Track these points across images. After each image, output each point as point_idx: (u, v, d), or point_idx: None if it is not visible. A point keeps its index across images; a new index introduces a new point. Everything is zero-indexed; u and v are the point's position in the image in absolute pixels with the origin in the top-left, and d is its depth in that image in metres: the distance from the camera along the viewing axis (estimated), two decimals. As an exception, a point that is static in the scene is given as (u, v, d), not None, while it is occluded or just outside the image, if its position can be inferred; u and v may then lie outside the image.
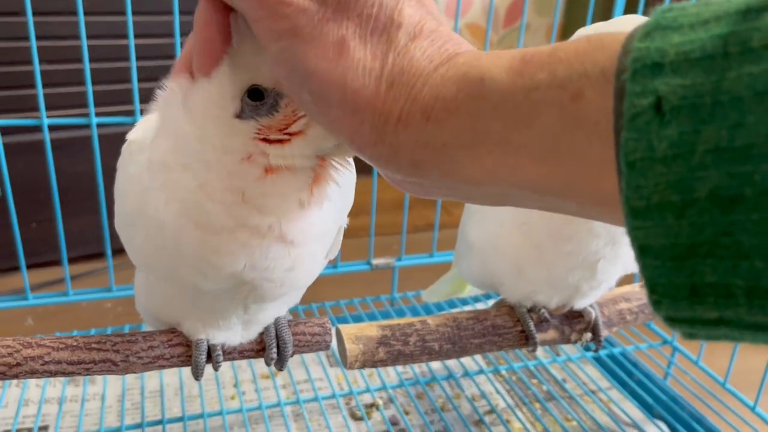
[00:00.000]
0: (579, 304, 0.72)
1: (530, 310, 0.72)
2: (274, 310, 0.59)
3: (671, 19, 0.25)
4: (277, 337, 0.60)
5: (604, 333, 0.74)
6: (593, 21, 1.09)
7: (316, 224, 0.47)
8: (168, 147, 0.44)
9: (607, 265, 0.66)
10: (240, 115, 0.41)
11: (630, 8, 1.08)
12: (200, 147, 0.42)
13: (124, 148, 0.51)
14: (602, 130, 0.26)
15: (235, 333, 0.58)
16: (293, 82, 0.35)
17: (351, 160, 0.46)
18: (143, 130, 0.49)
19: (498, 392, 0.96)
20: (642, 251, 0.25)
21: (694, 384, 0.97)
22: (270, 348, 0.59)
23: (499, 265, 0.71)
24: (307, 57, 0.33)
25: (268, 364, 0.61)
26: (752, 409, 0.89)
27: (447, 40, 0.33)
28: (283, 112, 0.41)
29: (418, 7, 0.34)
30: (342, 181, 0.44)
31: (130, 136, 0.50)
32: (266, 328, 0.60)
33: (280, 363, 0.61)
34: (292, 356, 0.62)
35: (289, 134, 0.41)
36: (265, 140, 0.41)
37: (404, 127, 0.31)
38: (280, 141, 0.41)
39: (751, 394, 0.90)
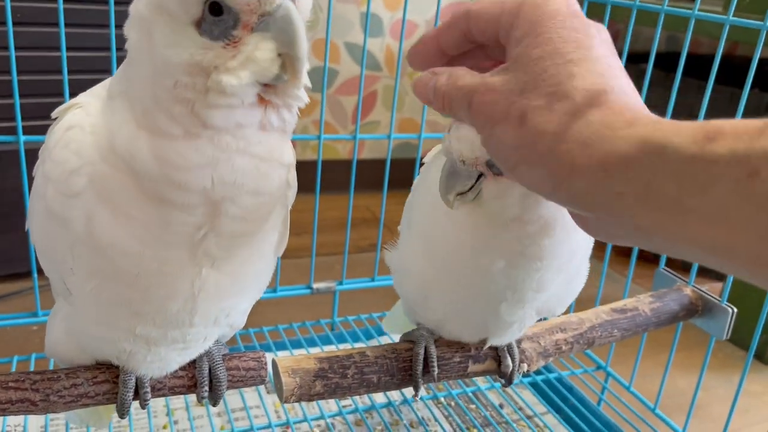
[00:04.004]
0: (496, 342, 0.70)
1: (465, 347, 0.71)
2: (214, 329, 0.55)
3: None
4: (210, 373, 0.58)
5: (520, 371, 0.73)
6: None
7: (276, 148, 0.47)
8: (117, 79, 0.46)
9: (512, 308, 0.63)
10: (199, 25, 0.42)
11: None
12: (151, 56, 0.43)
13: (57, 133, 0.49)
14: None
15: (170, 359, 0.55)
16: (494, 153, 0.43)
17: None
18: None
19: (436, 419, 0.95)
20: None
21: (625, 409, 0.99)
22: (202, 386, 0.57)
23: (410, 289, 0.70)
24: (500, 135, 0.41)
25: (199, 401, 0.59)
26: (680, 434, 0.92)
27: (624, 110, 0.38)
28: (234, 42, 0.43)
29: (591, 70, 0.39)
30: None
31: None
32: (199, 364, 0.58)
33: (214, 399, 0.59)
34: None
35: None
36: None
37: (582, 177, 0.36)
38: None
39: (680, 417, 0.92)
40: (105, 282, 0.48)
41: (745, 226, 0.31)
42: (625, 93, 0.40)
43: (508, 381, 0.72)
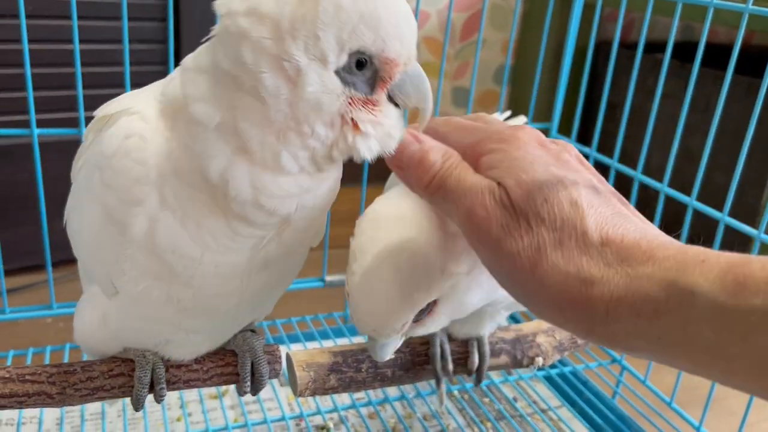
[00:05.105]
0: (460, 333, 0.69)
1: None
2: (248, 316, 0.59)
3: None
4: (252, 366, 0.59)
5: (536, 364, 0.72)
6: (549, 36, 1.10)
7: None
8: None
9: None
10: (340, 72, 0.41)
11: (585, 23, 1.09)
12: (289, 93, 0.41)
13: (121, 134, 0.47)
14: None
15: (204, 345, 0.58)
16: (504, 285, 0.40)
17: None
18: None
19: (450, 412, 0.95)
20: None
21: (641, 403, 0.99)
22: (244, 380, 0.59)
23: None
24: (509, 269, 0.38)
25: (241, 394, 0.60)
26: (697, 429, 0.91)
27: (639, 240, 0.36)
28: (372, 102, 0.43)
29: (600, 207, 0.38)
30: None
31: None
32: (241, 360, 0.59)
33: (255, 390, 0.60)
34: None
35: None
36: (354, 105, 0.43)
37: (615, 320, 0.34)
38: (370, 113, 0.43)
39: (697, 411, 0.91)
40: (157, 282, 0.49)
41: None
42: (627, 218, 0.38)
43: (477, 380, 0.71)
